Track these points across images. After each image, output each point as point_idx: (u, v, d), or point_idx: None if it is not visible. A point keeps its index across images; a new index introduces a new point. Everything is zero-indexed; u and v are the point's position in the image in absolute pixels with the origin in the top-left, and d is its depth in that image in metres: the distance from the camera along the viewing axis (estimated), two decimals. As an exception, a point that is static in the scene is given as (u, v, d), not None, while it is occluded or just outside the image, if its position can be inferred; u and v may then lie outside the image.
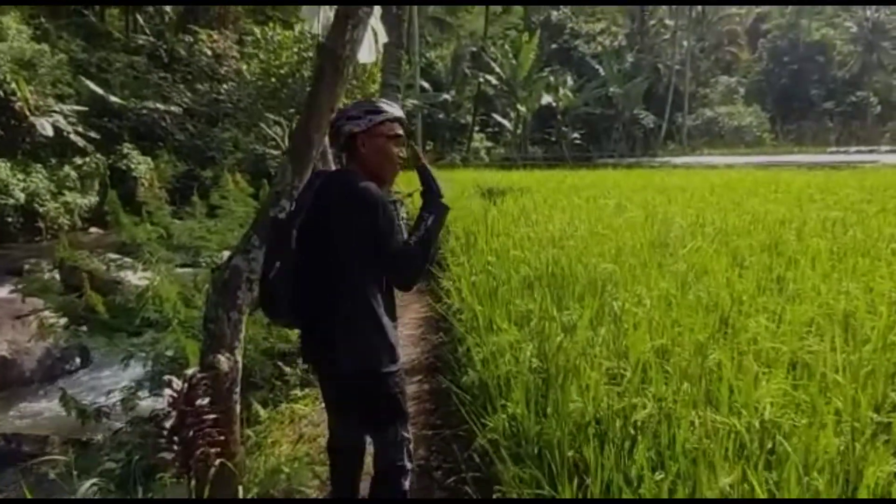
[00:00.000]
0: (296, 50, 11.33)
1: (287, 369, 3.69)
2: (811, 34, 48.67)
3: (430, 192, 1.91)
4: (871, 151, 31.89)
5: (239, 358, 2.27)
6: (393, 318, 2.01)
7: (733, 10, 50.18)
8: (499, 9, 39.35)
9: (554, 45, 37.44)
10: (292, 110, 15.54)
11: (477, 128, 35.70)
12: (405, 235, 1.87)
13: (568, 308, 2.79)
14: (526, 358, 2.18)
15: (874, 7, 48.78)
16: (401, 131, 1.98)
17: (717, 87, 47.56)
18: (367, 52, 2.64)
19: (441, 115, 33.39)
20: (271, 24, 11.68)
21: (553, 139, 37.73)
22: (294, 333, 3.79)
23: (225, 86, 19.24)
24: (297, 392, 3.56)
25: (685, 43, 41.54)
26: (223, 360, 2.17)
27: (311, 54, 11.39)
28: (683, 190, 9.19)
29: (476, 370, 2.45)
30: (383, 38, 2.75)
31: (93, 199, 17.86)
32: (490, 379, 2.36)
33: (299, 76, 11.55)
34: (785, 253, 4.04)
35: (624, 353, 2.34)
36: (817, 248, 3.94)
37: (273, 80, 11.66)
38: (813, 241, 4.39)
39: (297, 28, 11.44)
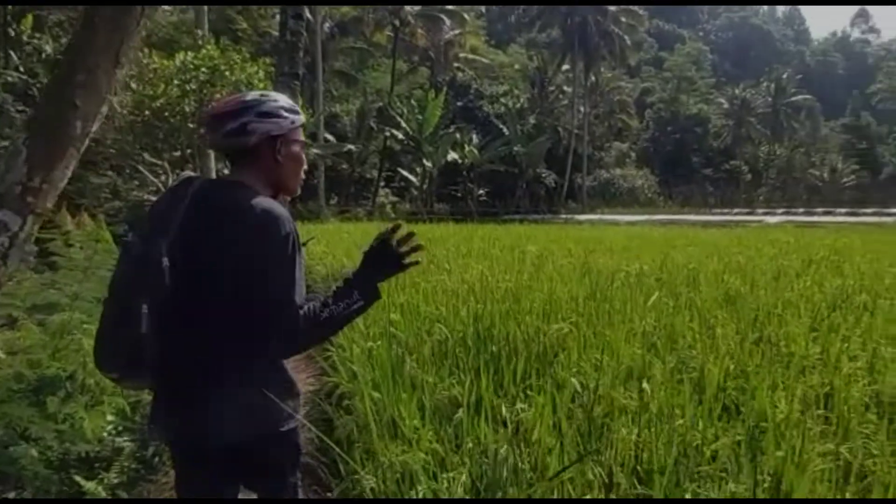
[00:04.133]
0: (177, 82, 10.00)
1: (87, 485, 2.44)
2: (689, 108, 53.46)
3: (374, 272, 1.56)
4: (749, 213, 34.66)
5: None
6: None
7: (622, 82, 54.26)
8: (405, 68, 39.84)
9: (459, 104, 38.15)
10: (177, 153, 14.00)
11: (383, 182, 35.12)
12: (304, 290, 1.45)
13: (510, 393, 1.86)
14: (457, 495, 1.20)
15: (742, 86, 54.67)
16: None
17: (612, 151, 50.55)
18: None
19: (345, 167, 32.62)
20: (146, 51, 10.29)
21: (459, 195, 37.92)
22: (101, 428, 2.58)
23: (109, 125, 17.29)
24: (96, 526, 2.32)
25: (581, 109, 43.98)
26: None
27: (193, 86, 10.14)
28: (599, 241, 8.77)
29: (367, 512, 1.43)
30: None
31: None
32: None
33: (179, 110, 10.15)
34: (749, 307, 3.39)
35: (609, 476, 1.42)
36: (788, 301, 3.33)
37: (147, 113, 10.21)
38: (762, 294, 3.82)
39: (180, 58, 10.20)
